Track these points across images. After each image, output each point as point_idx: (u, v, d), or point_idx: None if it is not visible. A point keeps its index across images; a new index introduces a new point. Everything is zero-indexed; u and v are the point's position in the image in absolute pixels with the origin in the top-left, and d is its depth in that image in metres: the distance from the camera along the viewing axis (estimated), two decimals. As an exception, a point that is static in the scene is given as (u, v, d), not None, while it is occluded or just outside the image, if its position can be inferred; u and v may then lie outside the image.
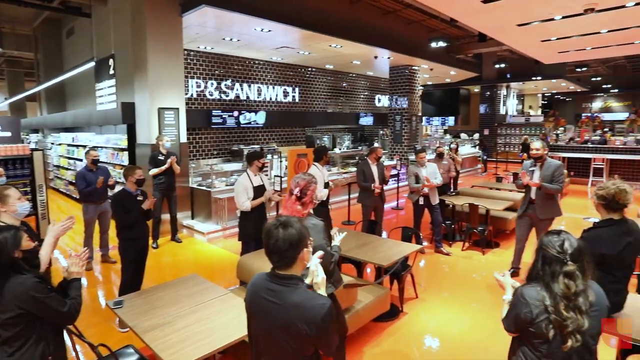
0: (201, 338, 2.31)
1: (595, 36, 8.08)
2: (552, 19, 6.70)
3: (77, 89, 10.46)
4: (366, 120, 13.45)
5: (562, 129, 14.15)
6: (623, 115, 18.35)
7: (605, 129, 13.52)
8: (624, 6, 5.94)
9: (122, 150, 7.58)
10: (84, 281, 4.86)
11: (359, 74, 13.49)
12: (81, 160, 8.79)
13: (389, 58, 10.54)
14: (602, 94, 24.39)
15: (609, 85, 22.27)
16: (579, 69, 15.98)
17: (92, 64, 7.92)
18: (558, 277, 1.64)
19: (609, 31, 7.63)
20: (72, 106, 11.02)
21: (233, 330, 2.35)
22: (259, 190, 4.49)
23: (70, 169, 9.88)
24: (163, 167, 6.01)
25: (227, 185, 6.98)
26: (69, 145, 10.14)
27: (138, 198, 3.85)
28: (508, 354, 1.88)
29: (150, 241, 5.10)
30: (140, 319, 2.55)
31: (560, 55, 10.49)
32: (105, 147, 8.33)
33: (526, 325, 1.68)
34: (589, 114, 16.24)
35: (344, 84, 13.06)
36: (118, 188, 4.37)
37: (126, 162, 7.27)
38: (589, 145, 11.93)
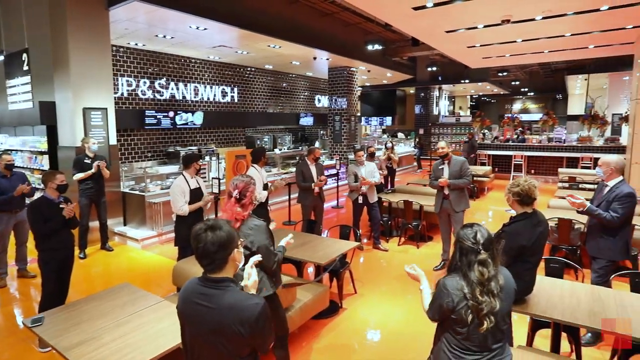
0: (132, 350, 2.22)
1: (513, 44, 8.89)
2: (476, 27, 7.26)
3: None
4: (306, 121, 13.59)
5: (483, 128, 15.38)
6: (538, 116, 20.34)
7: (521, 129, 14.91)
8: (534, 19, 6.61)
9: (42, 153, 6.95)
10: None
11: (299, 75, 13.58)
12: (-8, 165, 7.90)
13: (327, 59, 10.73)
14: (521, 96, 26.87)
15: (526, 89, 24.60)
16: (500, 74, 17.47)
17: (0, 58, 7.16)
18: (473, 266, 1.80)
19: (523, 40, 8.44)
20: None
21: (166, 340, 2.28)
22: (195, 194, 4.37)
23: (-21, 175, 8.83)
24: (89, 172, 5.61)
25: (162, 189, 6.68)
26: (-24, 148, 9.07)
27: (61, 206, 3.56)
28: (433, 341, 2.02)
29: (77, 251, 4.74)
30: (63, 335, 2.38)
31: (484, 60, 11.38)
32: (21, 151, 7.59)
33: (449, 314, 1.82)
34: (510, 115, 17.78)
35: (284, 84, 13.08)
36: (38, 195, 4.01)
37: (47, 167, 6.68)
38: (510, 143, 13.08)
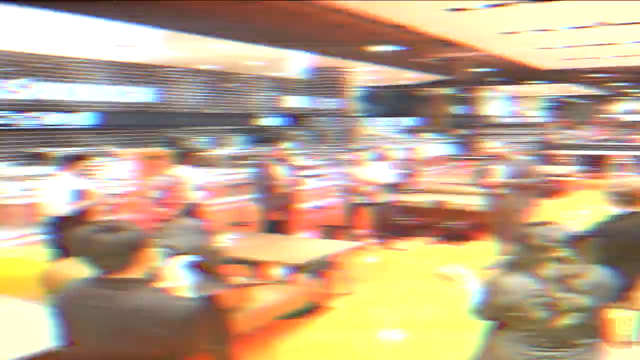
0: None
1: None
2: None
3: None
4: (272, 121, 16.41)
5: None
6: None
7: (626, 129, 16.09)
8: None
9: None
10: None
11: (258, 75, 16.34)
12: None
13: (313, 59, 12.15)
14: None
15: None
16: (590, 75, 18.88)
17: None
18: (546, 263, 2.14)
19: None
20: None
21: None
22: (75, 195, 4.96)
23: None
24: None
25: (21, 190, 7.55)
26: None
27: None
28: (480, 338, 2.32)
29: None
30: None
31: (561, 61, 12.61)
32: None
33: (508, 312, 2.14)
34: (606, 115, 18.73)
35: (231, 85, 16.10)
36: None
37: None
38: (606, 143, 14.69)
